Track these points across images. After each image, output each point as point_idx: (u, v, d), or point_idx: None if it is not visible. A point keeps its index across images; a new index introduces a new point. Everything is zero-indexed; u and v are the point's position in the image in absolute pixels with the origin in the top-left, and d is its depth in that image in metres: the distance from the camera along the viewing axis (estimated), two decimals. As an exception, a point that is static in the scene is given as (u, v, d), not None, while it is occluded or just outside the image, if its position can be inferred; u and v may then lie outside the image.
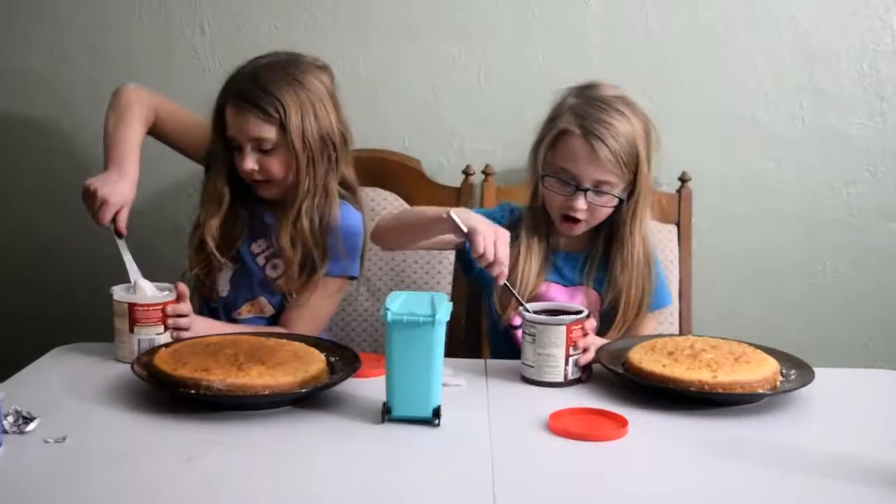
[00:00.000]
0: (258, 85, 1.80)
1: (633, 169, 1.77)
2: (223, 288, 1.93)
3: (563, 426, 1.38)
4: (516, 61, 2.31)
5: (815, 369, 1.58)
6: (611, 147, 1.73)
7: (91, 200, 1.72)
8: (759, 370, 1.53)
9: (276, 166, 1.83)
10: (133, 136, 1.84)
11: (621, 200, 1.79)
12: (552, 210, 1.82)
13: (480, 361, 1.73)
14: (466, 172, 2.28)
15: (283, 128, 1.80)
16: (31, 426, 1.32)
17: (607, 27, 2.29)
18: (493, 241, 1.60)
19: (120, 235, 1.75)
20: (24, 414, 1.33)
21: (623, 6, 2.29)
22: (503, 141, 2.34)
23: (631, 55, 2.30)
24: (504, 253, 1.62)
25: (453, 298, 2.19)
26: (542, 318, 1.59)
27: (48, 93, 2.33)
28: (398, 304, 1.41)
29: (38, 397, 1.45)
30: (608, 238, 1.86)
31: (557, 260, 1.87)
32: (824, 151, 2.33)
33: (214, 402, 1.42)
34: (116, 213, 1.73)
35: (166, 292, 1.66)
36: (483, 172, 2.28)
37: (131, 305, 1.62)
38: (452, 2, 2.29)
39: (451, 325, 2.22)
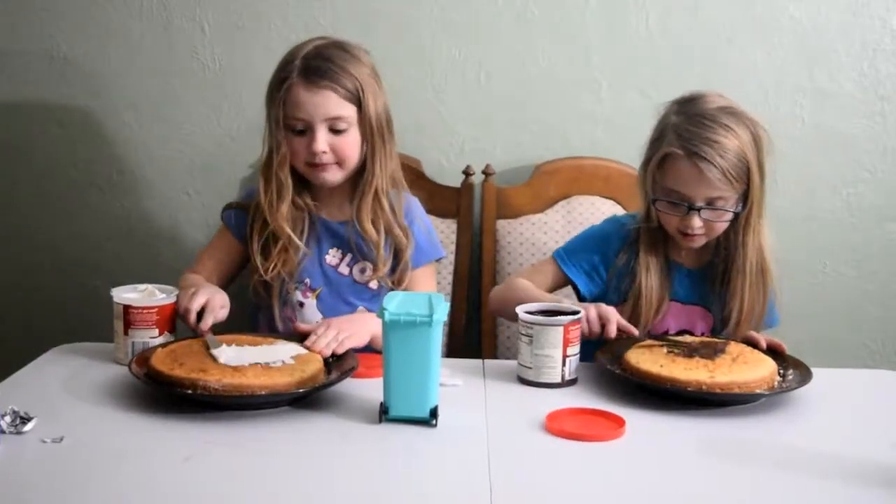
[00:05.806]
0: (331, 61, 1.75)
1: (744, 181, 1.71)
2: (315, 321, 1.83)
3: (560, 426, 1.38)
4: (516, 61, 2.31)
5: (814, 369, 1.58)
6: (718, 165, 1.67)
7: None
8: (757, 370, 1.53)
9: (348, 147, 1.78)
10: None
11: (737, 213, 1.74)
12: (669, 228, 1.78)
13: (478, 362, 1.72)
14: (466, 172, 2.28)
15: (359, 106, 1.77)
16: (28, 426, 1.32)
17: (607, 27, 2.29)
18: (597, 328, 1.65)
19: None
20: (22, 414, 1.33)
21: (623, 6, 2.28)
22: (503, 141, 2.34)
23: (631, 55, 2.30)
24: (613, 328, 1.65)
25: (451, 299, 2.19)
26: (539, 318, 1.59)
27: (47, 93, 2.32)
28: (395, 303, 1.40)
29: (36, 397, 1.45)
30: (726, 254, 1.80)
31: (678, 275, 1.83)
32: (824, 151, 2.33)
33: (211, 403, 1.42)
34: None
35: (164, 295, 1.64)
36: (483, 172, 2.28)
37: (126, 308, 1.60)
38: (452, 2, 2.28)
39: (449, 326, 2.24)
